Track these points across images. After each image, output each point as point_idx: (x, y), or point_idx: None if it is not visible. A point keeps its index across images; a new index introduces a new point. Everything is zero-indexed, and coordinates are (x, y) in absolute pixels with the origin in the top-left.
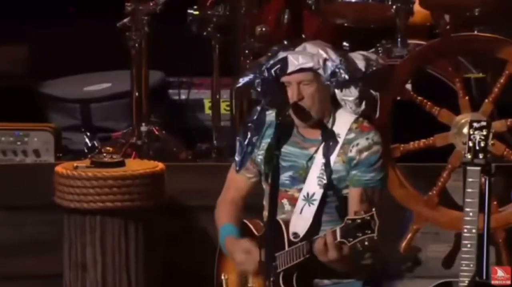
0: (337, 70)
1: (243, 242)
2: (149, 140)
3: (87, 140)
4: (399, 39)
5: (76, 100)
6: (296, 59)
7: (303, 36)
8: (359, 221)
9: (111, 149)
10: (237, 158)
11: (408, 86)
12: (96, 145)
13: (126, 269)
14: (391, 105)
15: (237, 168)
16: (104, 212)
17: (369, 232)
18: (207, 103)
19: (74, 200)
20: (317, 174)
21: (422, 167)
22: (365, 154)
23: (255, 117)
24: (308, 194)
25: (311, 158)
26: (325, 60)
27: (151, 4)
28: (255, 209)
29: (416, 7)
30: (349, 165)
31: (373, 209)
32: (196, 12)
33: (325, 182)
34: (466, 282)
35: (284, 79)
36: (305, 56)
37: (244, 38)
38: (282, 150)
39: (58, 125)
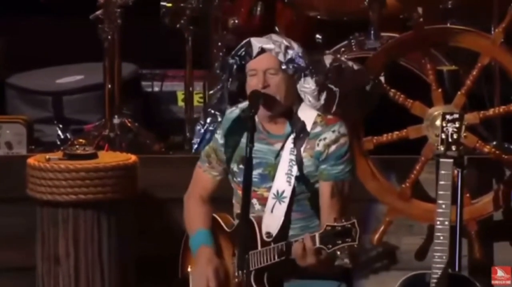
0: (295, 57)
1: (208, 269)
2: (121, 133)
3: (59, 132)
4: (372, 32)
5: (49, 92)
6: (259, 42)
7: (276, 28)
8: (339, 228)
9: (83, 141)
10: (194, 141)
11: (381, 78)
12: (69, 137)
13: (99, 261)
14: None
15: (193, 151)
16: (77, 204)
17: (350, 240)
18: (180, 96)
19: (47, 192)
20: (285, 171)
21: (395, 159)
22: (333, 147)
23: (215, 102)
24: (278, 191)
25: (278, 155)
26: (286, 47)
27: None
28: (224, 202)
29: None
30: (317, 160)
31: (353, 219)
32: (169, 5)
33: (293, 178)
34: (439, 273)
35: (250, 66)
36: (268, 41)
37: (217, 31)
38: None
39: (30, 117)
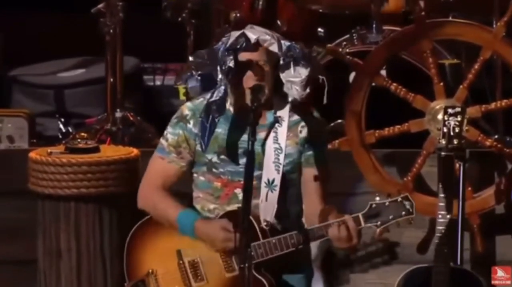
0: (292, 47)
1: (221, 220)
2: (123, 127)
3: (61, 126)
4: (374, 25)
5: (50, 86)
6: (254, 34)
7: (278, 22)
8: (387, 203)
9: (85, 135)
10: (202, 138)
11: (383, 72)
12: (71, 131)
13: (101, 255)
14: (366, 91)
15: (203, 148)
16: (79, 198)
17: (405, 213)
18: (181, 90)
19: (49, 186)
20: (272, 159)
21: (397, 152)
22: None
23: (217, 97)
24: (268, 180)
25: (263, 144)
26: (278, 38)
27: None
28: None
29: None
30: (302, 146)
31: (404, 193)
32: None
33: (281, 166)
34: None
35: (242, 58)
36: (260, 32)
37: (219, 24)
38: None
39: (32, 111)
